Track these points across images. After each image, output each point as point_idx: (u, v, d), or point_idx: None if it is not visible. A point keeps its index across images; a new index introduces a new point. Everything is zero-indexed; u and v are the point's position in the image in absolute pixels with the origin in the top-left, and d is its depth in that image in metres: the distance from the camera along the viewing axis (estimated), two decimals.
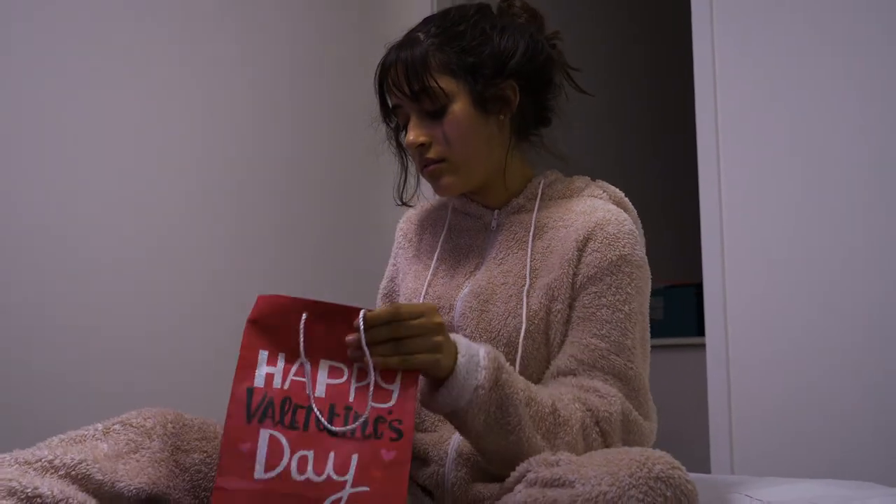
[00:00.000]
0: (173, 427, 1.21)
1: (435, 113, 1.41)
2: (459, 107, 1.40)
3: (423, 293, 1.48)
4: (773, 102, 2.27)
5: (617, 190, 1.53)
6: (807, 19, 2.23)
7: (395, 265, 1.62)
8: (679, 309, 3.28)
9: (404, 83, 1.40)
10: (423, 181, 1.53)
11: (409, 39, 1.44)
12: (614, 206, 1.47)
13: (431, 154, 1.42)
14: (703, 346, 2.39)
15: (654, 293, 3.32)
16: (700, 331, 3.15)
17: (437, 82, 1.39)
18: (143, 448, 1.16)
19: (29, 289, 2.24)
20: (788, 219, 2.23)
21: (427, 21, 1.47)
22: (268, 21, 2.78)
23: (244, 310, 2.73)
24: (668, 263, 3.55)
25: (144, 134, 2.47)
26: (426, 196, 1.61)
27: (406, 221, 1.64)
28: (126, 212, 2.42)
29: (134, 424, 1.19)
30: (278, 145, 2.77)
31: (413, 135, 1.42)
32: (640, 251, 1.42)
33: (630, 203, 1.52)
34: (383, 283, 1.64)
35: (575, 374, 1.35)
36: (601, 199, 1.49)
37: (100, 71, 2.40)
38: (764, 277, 2.26)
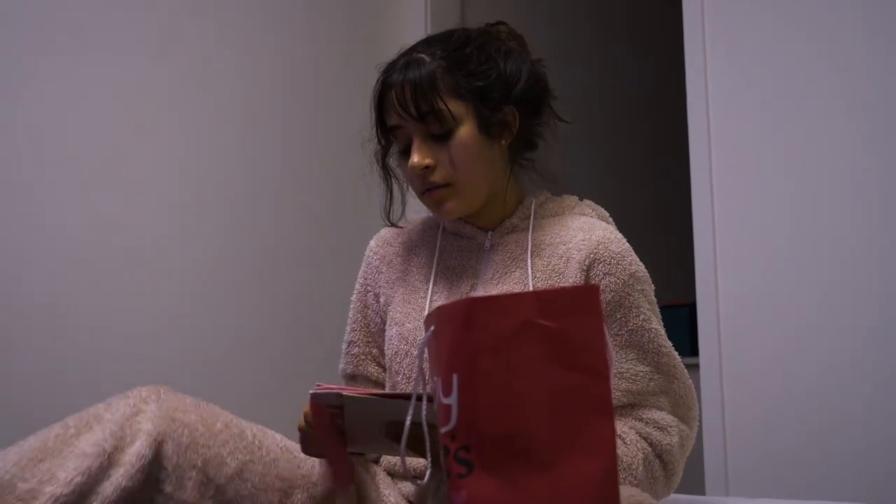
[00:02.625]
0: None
1: (441, 136, 1.39)
2: (466, 130, 1.39)
3: (423, 317, 1.45)
4: (765, 122, 2.27)
5: (603, 210, 1.54)
6: (799, 37, 2.24)
7: (368, 291, 1.57)
8: (673, 329, 3.27)
9: (411, 104, 1.37)
10: (410, 203, 1.51)
11: (414, 60, 1.40)
12: (607, 224, 1.48)
13: (436, 178, 1.40)
14: (697, 365, 2.39)
15: None
16: (694, 350, 3.15)
17: (446, 105, 1.37)
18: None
19: (30, 287, 2.25)
20: (782, 238, 2.23)
21: (429, 42, 1.44)
22: (269, 29, 2.80)
23: (241, 309, 2.71)
24: (662, 284, 3.54)
25: (141, 137, 2.50)
26: (410, 220, 1.59)
27: (382, 244, 1.59)
28: (124, 211, 2.44)
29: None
30: (277, 147, 2.78)
31: (418, 157, 1.39)
32: (642, 264, 1.44)
33: (612, 221, 1.54)
34: (353, 319, 1.57)
35: (633, 407, 1.39)
36: (591, 216, 1.50)
37: (103, 73, 2.42)
38: (757, 296, 2.26)
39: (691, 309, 3.23)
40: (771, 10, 2.28)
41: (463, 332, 0.96)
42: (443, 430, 0.97)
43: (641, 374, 1.39)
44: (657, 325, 1.42)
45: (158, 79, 2.53)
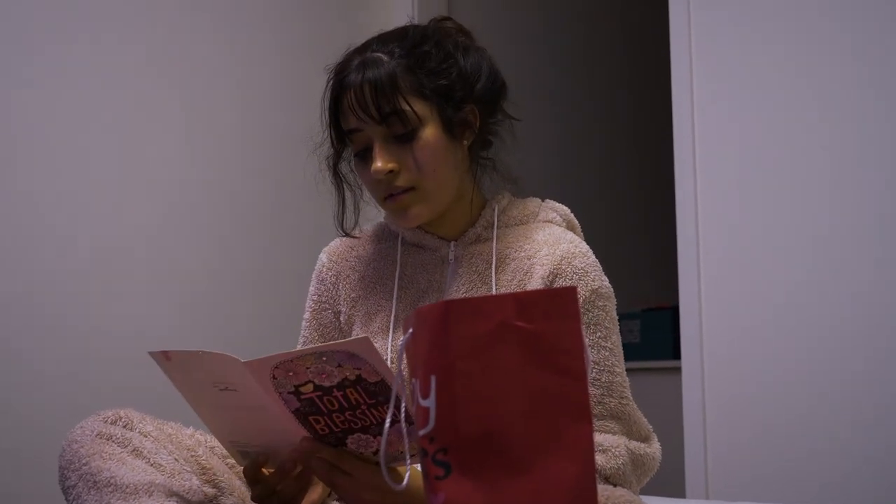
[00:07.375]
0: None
1: (403, 137, 1.33)
2: (430, 131, 1.34)
3: (389, 339, 1.40)
4: (750, 124, 2.28)
5: (566, 209, 1.49)
6: (783, 48, 2.25)
7: (325, 308, 1.48)
8: (655, 332, 3.29)
9: (372, 105, 1.31)
10: (363, 211, 1.46)
11: (371, 60, 1.34)
12: (573, 236, 1.43)
13: (400, 182, 1.34)
14: (678, 369, 2.39)
15: (631, 316, 3.31)
16: (676, 354, 3.16)
17: (410, 105, 1.32)
18: None
19: (27, 285, 2.27)
20: (766, 242, 2.24)
21: (383, 40, 1.38)
22: (257, 25, 2.80)
23: (233, 303, 2.69)
24: (646, 286, 3.56)
25: (128, 138, 2.50)
26: (362, 229, 1.51)
27: (336, 259, 1.50)
28: (116, 212, 2.45)
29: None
30: (269, 146, 2.78)
31: (381, 161, 1.32)
32: (606, 279, 1.39)
33: (576, 220, 1.50)
34: (309, 339, 1.48)
35: None
36: (556, 223, 1.45)
37: (101, 75, 2.43)
38: (740, 301, 2.27)
39: (674, 312, 3.24)
40: (756, 23, 2.29)
41: (440, 334, 0.96)
42: (421, 432, 0.96)
43: (592, 396, 1.31)
44: (615, 342, 1.37)
45: (151, 82, 2.54)
